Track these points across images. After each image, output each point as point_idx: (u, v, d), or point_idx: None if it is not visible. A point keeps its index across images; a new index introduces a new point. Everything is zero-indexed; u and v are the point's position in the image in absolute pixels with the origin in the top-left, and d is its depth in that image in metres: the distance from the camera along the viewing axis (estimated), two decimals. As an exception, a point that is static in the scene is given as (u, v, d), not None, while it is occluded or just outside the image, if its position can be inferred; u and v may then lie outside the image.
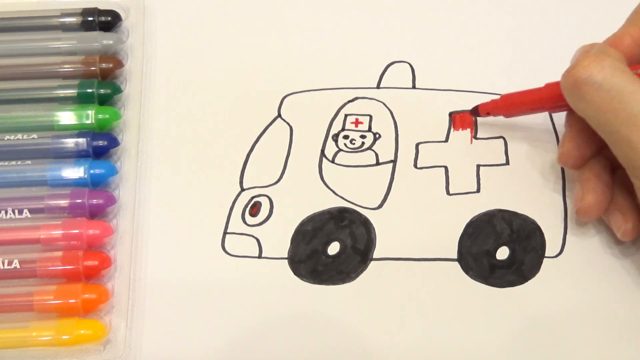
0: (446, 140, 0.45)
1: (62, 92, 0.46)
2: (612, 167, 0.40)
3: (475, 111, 0.45)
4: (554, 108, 0.42)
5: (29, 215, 0.42)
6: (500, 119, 0.44)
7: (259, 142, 0.46)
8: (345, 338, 0.40)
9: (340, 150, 0.45)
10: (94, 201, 0.42)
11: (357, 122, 0.46)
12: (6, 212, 0.42)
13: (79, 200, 0.42)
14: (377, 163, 0.45)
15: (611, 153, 0.38)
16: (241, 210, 0.44)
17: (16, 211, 0.42)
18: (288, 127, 0.46)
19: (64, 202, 0.42)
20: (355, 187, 0.44)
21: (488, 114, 0.44)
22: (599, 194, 0.40)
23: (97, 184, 0.43)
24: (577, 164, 0.41)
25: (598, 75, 0.37)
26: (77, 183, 0.43)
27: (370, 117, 0.46)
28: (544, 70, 0.45)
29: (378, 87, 0.47)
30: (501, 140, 0.45)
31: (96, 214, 0.43)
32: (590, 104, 0.37)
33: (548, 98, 0.42)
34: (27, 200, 0.42)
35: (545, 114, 0.45)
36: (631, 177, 0.38)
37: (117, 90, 0.46)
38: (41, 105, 0.46)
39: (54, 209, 0.42)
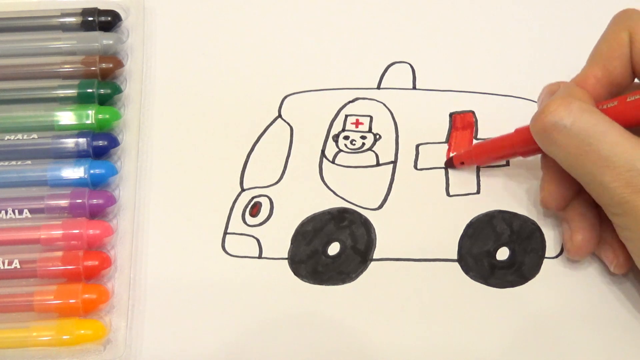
0: (446, 141, 0.45)
1: (62, 92, 0.46)
2: (596, 204, 0.39)
3: (450, 163, 0.44)
4: (526, 152, 0.41)
5: (29, 215, 0.42)
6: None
7: (260, 142, 0.46)
8: (346, 338, 0.40)
9: (340, 150, 0.45)
10: (94, 201, 0.42)
11: (357, 123, 0.46)
12: (6, 212, 0.42)
13: (79, 201, 0.42)
14: (378, 164, 0.45)
15: None
16: (241, 210, 0.44)
17: (16, 211, 0.42)
18: (288, 128, 0.46)
19: (64, 202, 0.42)
20: (355, 187, 0.44)
21: (462, 164, 0.44)
22: (587, 232, 0.40)
23: (97, 184, 0.43)
24: (559, 206, 0.41)
25: (567, 119, 0.36)
26: (77, 183, 0.43)
27: (371, 117, 0.46)
28: (544, 70, 0.45)
29: (378, 87, 0.47)
30: (501, 141, 0.45)
31: (96, 214, 0.43)
32: (561, 148, 0.37)
33: (519, 143, 0.41)
34: (27, 200, 0.42)
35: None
36: (608, 215, 0.38)
37: (117, 90, 0.46)
38: (41, 105, 0.46)
39: (54, 209, 0.42)
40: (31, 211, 0.42)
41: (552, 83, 0.42)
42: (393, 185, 0.44)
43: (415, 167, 0.45)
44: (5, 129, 0.45)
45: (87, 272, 0.40)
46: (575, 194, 0.40)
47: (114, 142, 0.45)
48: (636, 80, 0.40)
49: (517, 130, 0.41)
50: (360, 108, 0.46)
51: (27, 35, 0.48)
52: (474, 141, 0.45)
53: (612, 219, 0.38)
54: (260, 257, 0.42)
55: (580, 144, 0.36)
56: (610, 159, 0.36)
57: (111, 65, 0.47)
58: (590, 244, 0.40)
